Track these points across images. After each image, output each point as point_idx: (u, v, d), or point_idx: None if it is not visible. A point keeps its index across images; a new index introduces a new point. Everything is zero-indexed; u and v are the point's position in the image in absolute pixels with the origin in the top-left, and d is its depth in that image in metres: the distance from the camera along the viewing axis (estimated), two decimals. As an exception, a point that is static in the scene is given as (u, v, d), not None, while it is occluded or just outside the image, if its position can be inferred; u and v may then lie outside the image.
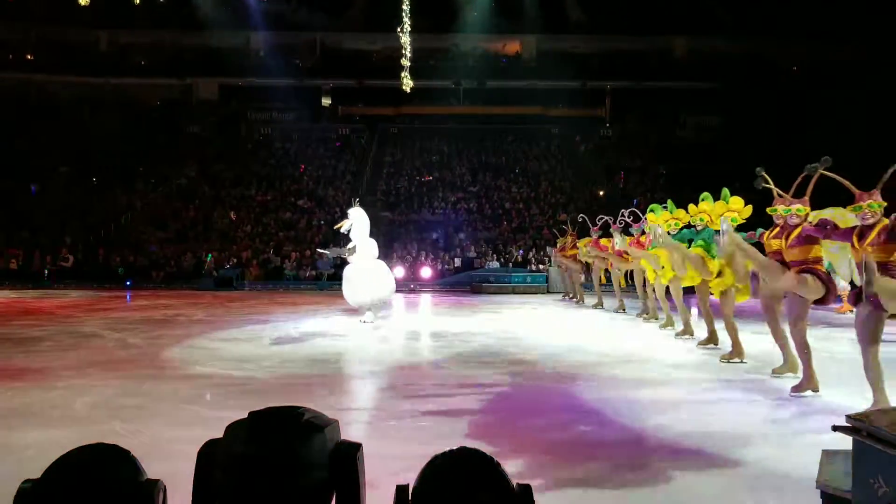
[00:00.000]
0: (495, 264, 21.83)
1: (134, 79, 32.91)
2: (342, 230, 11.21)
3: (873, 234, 5.05)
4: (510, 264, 22.04)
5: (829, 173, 5.56)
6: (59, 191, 25.79)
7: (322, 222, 24.81)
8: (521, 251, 22.96)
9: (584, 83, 32.13)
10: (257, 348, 8.79)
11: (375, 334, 10.42)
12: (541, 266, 21.34)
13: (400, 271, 21.14)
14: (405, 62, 20.71)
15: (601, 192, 27.37)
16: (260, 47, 33.02)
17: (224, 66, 32.60)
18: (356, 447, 1.32)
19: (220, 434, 1.41)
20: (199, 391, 6.37)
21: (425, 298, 18.03)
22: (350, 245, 10.90)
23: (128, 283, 20.56)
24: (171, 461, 2.96)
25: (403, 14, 20.21)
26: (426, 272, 20.98)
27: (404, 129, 31.81)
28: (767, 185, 6.27)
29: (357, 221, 10.95)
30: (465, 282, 20.63)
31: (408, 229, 24.91)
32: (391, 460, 3.69)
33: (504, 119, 31.94)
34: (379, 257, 11.48)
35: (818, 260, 5.93)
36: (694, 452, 4.34)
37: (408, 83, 20.93)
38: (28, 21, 31.32)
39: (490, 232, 24.84)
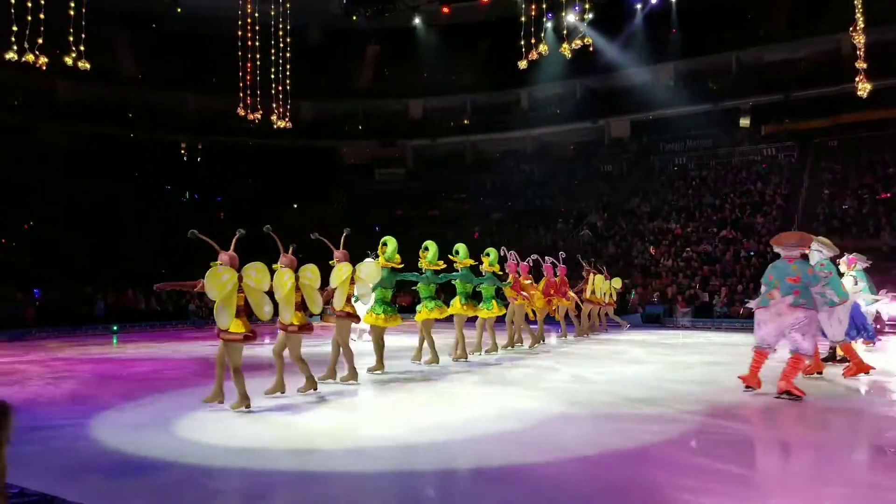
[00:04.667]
0: None
1: (550, 128, 35.10)
2: None
3: None
4: None
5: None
6: (495, 233, 28.51)
7: (752, 253, 22.28)
8: None
9: None
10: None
11: None
12: None
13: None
14: (860, 64, 17.28)
15: None
16: (670, 78, 32.07)
17: (634, 104, 32.56)
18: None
19: None
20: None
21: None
22: None
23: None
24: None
25: (856, 9, 16.88)
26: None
27: (846, 140, 27.00)
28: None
29: None
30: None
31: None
32: None
33: None
34: None
35: None
36: None
37: (864, 87, 17.43)
38: (465, 91, 36.36)
39: None
